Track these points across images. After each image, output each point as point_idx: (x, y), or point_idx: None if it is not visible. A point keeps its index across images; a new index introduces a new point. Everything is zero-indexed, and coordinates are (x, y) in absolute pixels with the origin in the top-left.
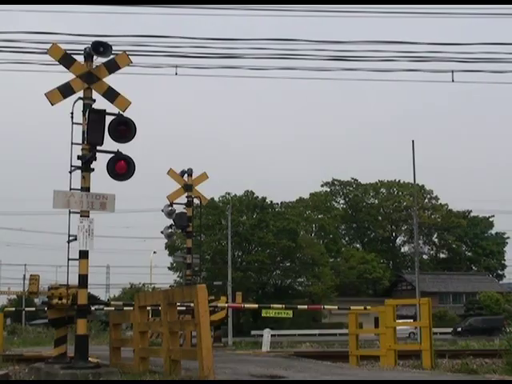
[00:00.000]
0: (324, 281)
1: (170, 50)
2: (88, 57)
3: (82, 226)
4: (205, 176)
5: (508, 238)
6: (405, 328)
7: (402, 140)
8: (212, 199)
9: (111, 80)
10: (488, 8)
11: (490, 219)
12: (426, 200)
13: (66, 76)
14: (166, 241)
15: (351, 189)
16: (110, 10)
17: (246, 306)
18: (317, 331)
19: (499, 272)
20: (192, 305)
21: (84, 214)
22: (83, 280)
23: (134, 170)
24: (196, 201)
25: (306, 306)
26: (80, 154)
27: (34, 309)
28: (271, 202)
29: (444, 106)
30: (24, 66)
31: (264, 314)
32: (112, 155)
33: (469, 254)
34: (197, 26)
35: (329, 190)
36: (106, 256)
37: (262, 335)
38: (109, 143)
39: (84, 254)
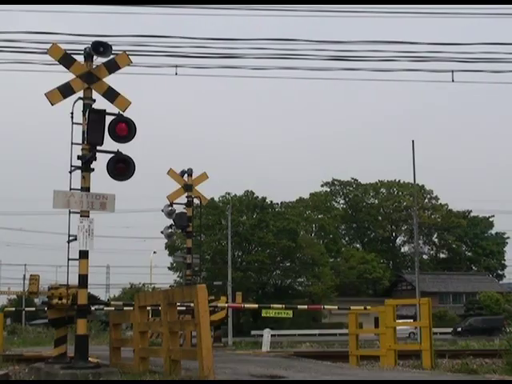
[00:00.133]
0: (324, 281)
1: (170, 49)
2: (88, 57)
3: (82, 226)
4: (205, 176)
5: (508, 237)
6: (405, 328)
7: (402, 140)
8: (212, 199)
9: (111, 80)
10: (488, 8)
11: (490, 219)
12: (426, 200)
13: (66, 76)
14: (165, 241)
15: (351, 189)
16: (110, 10)
17: (245, 306)
18: (317, 331)
19: (499, 272)
20: (192, 305)
21: (84, 214)
22: (83, 280)
23: (134, 170)
24: (196, 201)
25: (306, 306)
26: (80, 153)
27: (34, 309)
28: (271, 202)
29: (444, 106)
30: (24, 66)
31: (264, 314)
32: (112, 155)
33: (469, 254)
34: (197, 26)
35: (329, 190)
36: (105, 256)
37: (262, 335)
38: (109, 143)
39: (84, 254)
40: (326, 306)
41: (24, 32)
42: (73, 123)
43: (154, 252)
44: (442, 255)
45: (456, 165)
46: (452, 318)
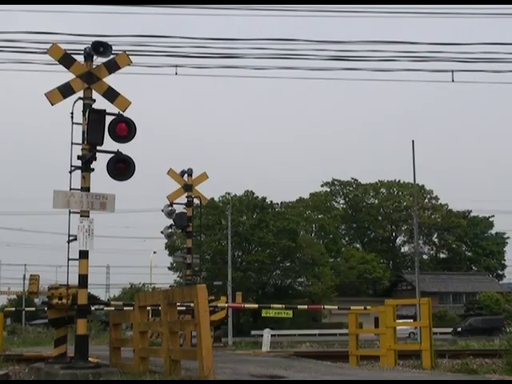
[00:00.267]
0: (324, 281)
1: (170, 49)
2: (88, 57)
3: (82, 226)
4: (205, 176)
5: (508, 238)
6: (405, 328)
7: (402, 140)
8: (212, 199)
9: (111, 80)
10: (488, 8)
11: (490, 219)
12: (426, 200)
13: (66, 76)
14: (165, 241)
15: (351, 189)
16: (110, 10)
17: (245, 306)
18: (317, 331)
19: (499, 272)
20: (192, 305)
21: (84, 214)
22: (83, 280)
23: (134, 170)
24: (196, 201)
25: (306, 306)
26: (80, 153)
27: (34, 309)
28: (271, 202)
29: (444, 106)
30: (24, 66)
31: (264, 313)
32: (112, 155)
33: (469, 254)
34: (197, 26)
35: (329, 190)
36: (105, 256)
37: (262, 335)
38: (109, 143)
39: (84, 254)
40: (326, 306)
41: (24, 32)
42: (73, 123)
43: (154, 252)
44: (442, 255)
45: (456, 165)
46: (452, 317)
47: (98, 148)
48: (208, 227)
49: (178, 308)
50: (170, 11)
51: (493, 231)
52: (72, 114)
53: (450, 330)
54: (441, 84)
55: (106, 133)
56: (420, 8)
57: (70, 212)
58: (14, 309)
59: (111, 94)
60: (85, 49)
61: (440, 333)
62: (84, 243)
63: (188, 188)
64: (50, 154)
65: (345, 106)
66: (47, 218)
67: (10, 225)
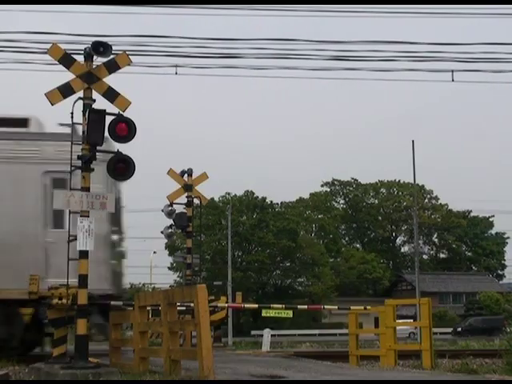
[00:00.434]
0: (324, 281)
1: (170, 49)
2: (88, 57)
3: (82, 226)
4: (205, 176)
5: (508, 238)
6: (405, 328)
7: (402, 140)
8: (212, 199)
9: (111, 80)
10: (488, 8)
11: (490, 219)
12: (426, 200)
13: (66, 76)
14: (165, 241)
15: (351, 189)
16: (110, 10)
17: (245, 306)
18: (317, 331)
19: (499, 272)
20: (192, 305)
21: (84, 214)
22: (83, 280)
23: (134, 170)
24: (196, 201)
25: (306, 306)
26: (80, 153)
27: None
28: (271, 202)
29: (444, 106)
30: (24, 66)
31: (264, 313)
32: (112, 155)
33: (469, 254)
34: (197, 26)
35: (329, 190)
36: None
37: (262, 335)
38: None
39: (84, 254)
40: (326, 306)
41: (24, 32)
42: (73, 123)
43: (154, 252)
44: (442, 255)
45: (456, 165)
46: (452, 318)
47: (98, 148)
48: (208, 227)
49: (178, 308)
50: (169, 11)
51: (493, 231)
52: (72, 113)
53: (450, 330)
54: (441, 84)
55: (106, 133)
56: (420, 8)
57: (69, 212)
58: None
59: (111, 94)
60: (85, 49)
61: (440, 333)
62: (84, 243)
63: (188, 188)
64: None
65: (345, 106)
66: None
67: None
